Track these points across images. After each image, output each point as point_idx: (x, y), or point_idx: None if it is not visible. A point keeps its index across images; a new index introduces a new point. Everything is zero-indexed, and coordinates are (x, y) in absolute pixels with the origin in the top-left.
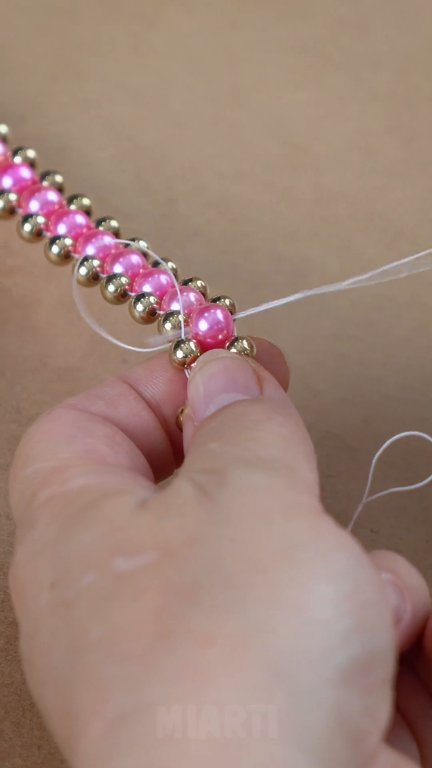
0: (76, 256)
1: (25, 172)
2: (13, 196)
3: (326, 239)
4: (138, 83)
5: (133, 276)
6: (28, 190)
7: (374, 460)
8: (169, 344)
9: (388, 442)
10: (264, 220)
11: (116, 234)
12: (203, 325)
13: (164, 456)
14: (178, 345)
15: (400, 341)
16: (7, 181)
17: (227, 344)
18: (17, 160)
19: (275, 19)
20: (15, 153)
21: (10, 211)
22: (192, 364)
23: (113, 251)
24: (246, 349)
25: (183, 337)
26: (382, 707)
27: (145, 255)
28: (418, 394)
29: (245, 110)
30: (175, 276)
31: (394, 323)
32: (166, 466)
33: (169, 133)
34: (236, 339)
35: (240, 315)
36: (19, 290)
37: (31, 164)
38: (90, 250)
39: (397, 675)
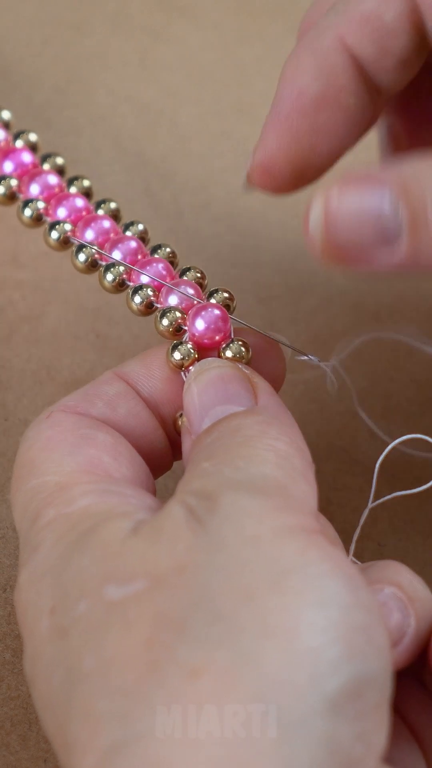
0: (76, 241)
1: (26, 157)
2: (14, 182)
3: None
4: (145, 97)
5: (131, 263)
6: (29, 175)
7: (378, 465)
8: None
9: (390, 446)
10: (271, 234)
11: (115, 217)
12: (200, 325)
13: (163, 454)
14: (175, 346)
15: (406, 353)
16: (8, 166)
17: (223, 345)
18: (18, 144)
19: (282, 33)
20: (16, 137)
21: (11, 197)
22: (190, 367)
23: (112, 236)
24: (242, 352)
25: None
26: (376, 732)
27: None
28: (426, 407)
29: (253, 124)
30: (173, 263)
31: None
32: (165, 463)
33: (176, 147)
34: (232, 341)
35: (242, 323)
36: (27, 303)
37: (33, 148)
38: (89, 234)
39: (404, 687)
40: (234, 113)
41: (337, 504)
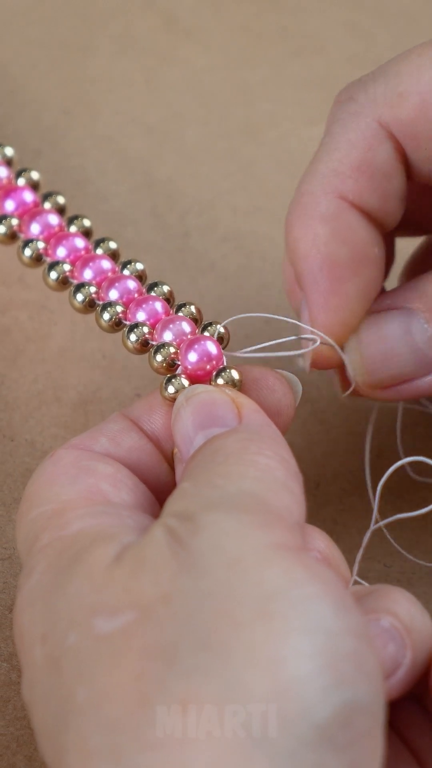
0: (74, 281)
1: (28, 196)
2: (15, 221)
3: None
4: (152, 118)
5: (128, 302)
6: (29, 214)
7: (380, 485)
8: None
9: (393, 467)
10: (277, 255)
11: (114, 256)
12: (192, 357)
13: (170, 488)
14: (169, 380)
15: None
16: (9, 205)
17: (214, 374)
18: (20, 182)
19: (288, 54)
20: (18, 175)
21: (12, 236)
22: None
23: (109, 275)
24: (234, 379)
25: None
26: (369, 760)
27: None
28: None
29: (259, 145)
30: (170, 301)
31: None
32: None
33: (183, 168)
34: (223, 369)
35: (237, 354)
36: (33, 324)
37: (34, 186)
38: (87, 274)
39: (406, 711)
40: (240, 134)
41: (343, 524)
